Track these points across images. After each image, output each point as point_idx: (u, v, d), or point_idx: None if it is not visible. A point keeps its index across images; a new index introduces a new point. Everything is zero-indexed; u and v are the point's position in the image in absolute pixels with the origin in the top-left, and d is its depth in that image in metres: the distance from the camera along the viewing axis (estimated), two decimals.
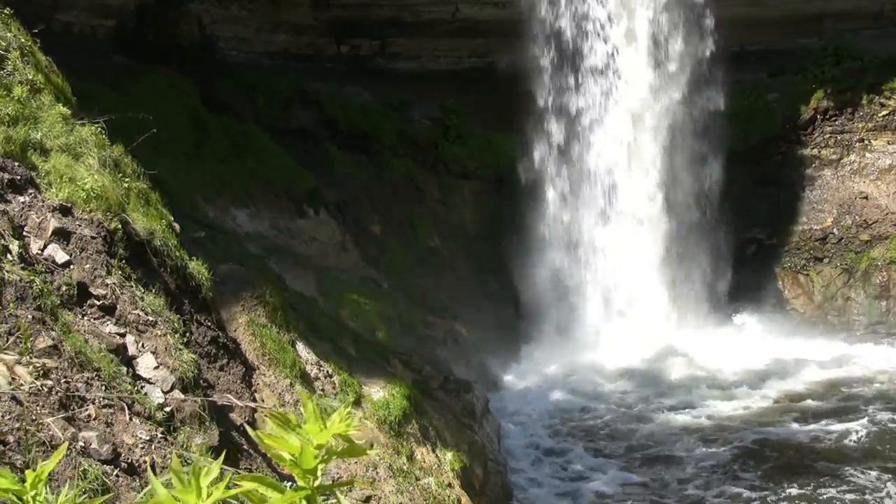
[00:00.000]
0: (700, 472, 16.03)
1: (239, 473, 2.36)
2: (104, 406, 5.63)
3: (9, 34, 9.07)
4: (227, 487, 2.03)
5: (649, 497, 15.22)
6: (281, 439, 2.04)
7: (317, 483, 2.04)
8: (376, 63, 26.55)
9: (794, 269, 24.60)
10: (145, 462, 5.56)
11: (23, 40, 9.33)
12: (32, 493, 2.13)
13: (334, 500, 2.14)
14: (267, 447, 2.04)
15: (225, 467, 2.07)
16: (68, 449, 4.98)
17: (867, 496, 14.93)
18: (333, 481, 2.06)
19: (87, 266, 6.87)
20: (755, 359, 21.29)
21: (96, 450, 5.21)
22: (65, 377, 5.53)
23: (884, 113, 24.97)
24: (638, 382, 20.20)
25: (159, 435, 5.87)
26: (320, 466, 2.03)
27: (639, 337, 21.79)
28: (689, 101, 23.69)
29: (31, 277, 6.03)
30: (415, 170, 24.91)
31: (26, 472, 2.18)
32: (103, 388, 5.78)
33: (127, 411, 5.77)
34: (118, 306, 6.87)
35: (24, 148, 7.53)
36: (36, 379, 5.25)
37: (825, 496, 14.99)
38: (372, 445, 10.78)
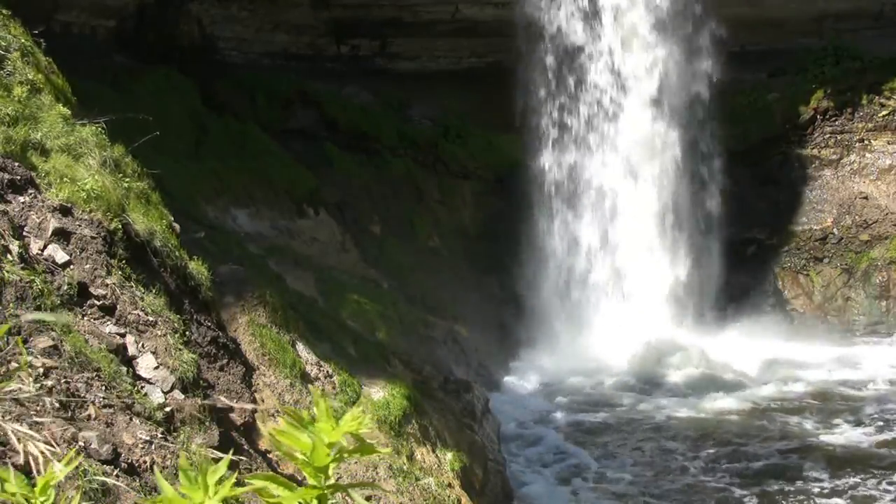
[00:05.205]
0: (700, 471, 16.04)
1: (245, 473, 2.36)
2: (104, 406, 5.63)
3: (9, 34, 9.07)
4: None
5: (649, 496, 15.23)
6: (293, 436, 2.03)
7: (328, 482, 2.03)
8: (376, 63, 26.53)
9: (794, 269, 24.59)
10: (145, 462, 5.57)
11: (23, 41, 9.33)
12: (42, 498, 2.13)
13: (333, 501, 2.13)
14: (278, 444, 2.04)
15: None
16: (67, 449, 4.98)
17: (866, 497, 14.93)
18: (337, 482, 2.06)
19: (87, 266, 6.87)
20: (755, 359, 21.28)
21: (96, 450, 5.21)
22: (65, 377, 5.53)
23: (884, 113, 24.97)
24: (639, 382, 20.21)
25: (159, 435, 5.87)
26: (332, 465, 2.02)
27: (640, 337, 21.79)
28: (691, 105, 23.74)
29: (31, 277, 6.02)
30: (415, 170, 24.91)
31: (37, 476, 2.17)
32: (103, 388, 5.77)
33: (127, 411, 5.77)
34: (118, 306, 6.87)
35: (24, 148, 7.52)
36: (36, 379, 5.25)
37: (824, 497, 15.00)
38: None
